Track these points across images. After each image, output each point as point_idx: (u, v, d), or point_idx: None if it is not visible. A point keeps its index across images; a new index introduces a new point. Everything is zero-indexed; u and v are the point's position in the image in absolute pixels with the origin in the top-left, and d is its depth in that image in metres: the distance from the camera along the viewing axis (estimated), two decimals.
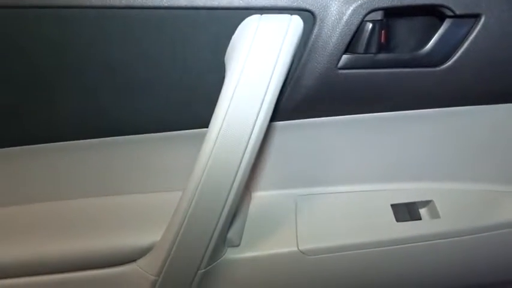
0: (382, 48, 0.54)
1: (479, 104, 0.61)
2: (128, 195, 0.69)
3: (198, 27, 0.52)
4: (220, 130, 0.50)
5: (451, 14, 0.51)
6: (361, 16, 0.51)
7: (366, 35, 0.52)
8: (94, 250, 0.61)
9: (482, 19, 0.52)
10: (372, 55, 0.54)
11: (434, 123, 0.64)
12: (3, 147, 0.61)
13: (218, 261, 0.63)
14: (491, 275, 0.73)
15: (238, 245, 0.64)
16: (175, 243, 0.56)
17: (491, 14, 0.52)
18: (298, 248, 0.64)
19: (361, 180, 0.71)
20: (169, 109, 0.59)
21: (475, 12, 0.52)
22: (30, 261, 0.61)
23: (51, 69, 0.55)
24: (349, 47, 0.53)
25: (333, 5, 0.51)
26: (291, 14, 0.50)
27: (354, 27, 0.51)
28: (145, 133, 0.62)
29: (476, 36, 0.53)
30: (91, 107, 0.58)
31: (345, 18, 0.51)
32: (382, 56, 0.54)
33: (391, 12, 0.52)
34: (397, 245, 0.65)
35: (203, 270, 0.60)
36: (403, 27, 0.56)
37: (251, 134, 0.51)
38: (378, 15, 0.51)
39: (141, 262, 0.62)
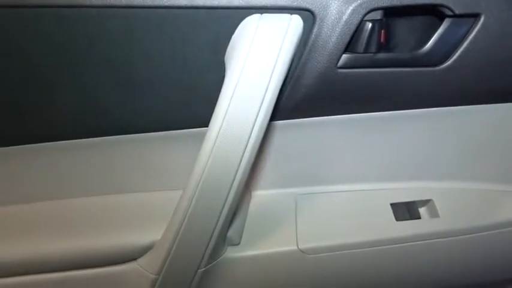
0: (382, 47, 0.54)
1: (478, 104, 0.62)
2: (128, 194, 0.69)
3: (198, 27, 0.52)
4: (220, 129, 0.50)
5: (450, 13, 0.51)
6: (360, 16, 0.51)
7: (365, 34, 0.52)
8: (95, 249, 0.61)
9: (482, 19, 0.52)
10: (371, 54, 0.54)
11: (434, 122, 0.64)
12: (5, 146, 0.62)
13: (218, 260, 0.63)
14: (490, 274, 0.73)
15: (238, 244, 0.65)
16: (175, 242, 0.56)
17: (491, 13, 0.52)
18: (298, 246, 0.64)
19: (361, 179, 0.71)
20: (170, 108, 0.59)
21: (475, 12, 0.52)
22: (32, 260, 0.61)
23: (52, 68, 0.55)
24: (349, 47, 0.53)
25: (333, 4, 0.51)
26: (291, 14, 0.51)
27: (353, 27, 0.51)
28: (146, 132, 0.62)
29: (475, 35, 0.53)
30: (92, 106, 0.58)
31: (344, 17, 0.51)
32: (381, 55, 0.54)
33: (390, 12, 0.52)
34: (397, 244, 0.65)
35: (203, 269, 0.60)
36: (402, 27, 0.56)
37: (251, 133, 0.51)
38: (378, 15, 0.51)
39: (141, 261, 0.62)
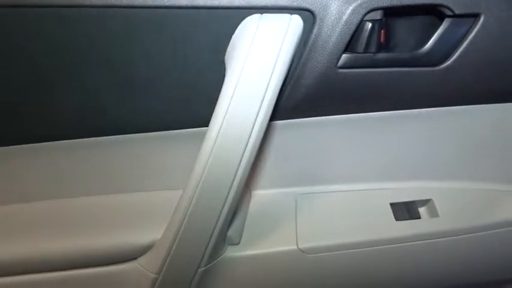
0: (382, 47, 0.54)
1: (478, 104, 0.62)
2: (129, 193, 0.69)
3: (198, 27, 0.52)
4: (220, 129, 0.51)
5: (450, 13, 0.52)
6: (360, 15, 0.51)
7: (365, 34, 0.52)
8: (95, 248, 0.61)
9: (482, 19, 0.52)
10: (371, 54, 0.54)
11: (434, 122, 0.64)
12: (5, 145, 0.62)
13: (218, 259, 0.63)
14: (489, 273, 0.73)
15: (238, 243, 0.65)
16: (175, 241, 0.57)
17: (491, 13, 0.52)
18: (297, 246, 0.64)
19: (361, 179, 0.71)
20: (170, 108, 0.59)
21: (475, 12, 0.52)
22: (32, 259, 0.61)
23: (52, 68, 0.55)
24: (349, 47, 0.53)
25: (333, 4, 0.51)
26: (291, 14, 0.51)
27: (353, 27, 0.51)
28: (146, 132, 0.62)
29: (475, 35, 0.53)
30: (92, 105, 0.58)
31: (344, 17, 0.51)
32: (381, 55, 0.54)
33: (390, 12, 0.52)
34: (396, 243, 0.65)
35: (203, 268, 0.60)
36: (402, 27, 0.56)
37: (251, 133, 0.51)
38: (378, 15, 0.51)
39: (141, 260, 0.62)
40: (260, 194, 0.72)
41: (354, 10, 0.51)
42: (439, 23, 0.54)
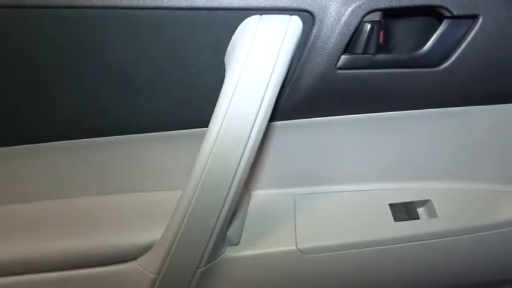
0: (381, 48, 0.54)
1: (477, 105, 0.62)
2: (129, 193, 0.69)
3: (198, 28, 0.52)
4: (220, 129, 0.51)
5: (449, 14, 0.52)
6: (359, 17, 0.51)
7: (364, 35, 0.52)
8: (95, 248, 0.61)
9: (480, 20, 0.52)
10: (370, 55, 0.54)
11: (432, 123, 0.64)
12: (5, 146, 0.62)
13: (217, 259, 0.63)
14: (488, 274, 0.73)
15: (237, 244, 0.65)
16: (175, 241, 0.57)
17: (489, 14, 0.52)
18: (297, 246, 0.64)
19: (360, 179, 0.71)
20: (170, 108, 0.59)
21: (473, 13, 0.52)
22: (32, 259, 0.61)
23: (52, 68, 0.55)
24: (348, 48, 0.54)
25: (332, 5, 0.51)
26: (291, 15, 0.51)
27: (352, 28, 0.52)
28: (146, 132, 0.62)
29: (474, 37, 0.53)
30: (92, 106, 0.58)
31: (343, 19, 0.51)
32: (380, 56, 0.54)
33: (389, 13, 0.52)
34: (395, 244, 0.65)
35: (202, 269, 0.60)
36: (401, 28, 0.56)
37: (251, 133, 0.51)
38: (377, 16, 0.52)
39: (141, 260, 0.62)
40: (259, 195, 0.73)
41: (353, 11, 0.51)
42: (437, 24, 0.54)
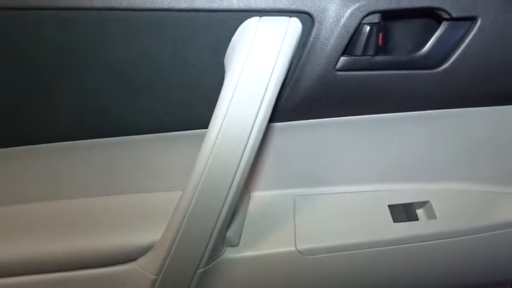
0: (380, 50, 0.54)
1: (475, 106, 0.62)
2: (129, 194, 0.69)
3: (198, 29, 0.52)
4: (219, 130, 0.51)
5: (447, 16, 0.52)
6: (358, 19, 0.51)
7: (363, 37, 0.52)
8: (95, 249, 0.61)
9: (479, 22, 0.52)
10: (369, 57, 0.54)
11: (432, 124, 0.64)
12: (6, 147, 0.62)
13: (217, 260, 0.63)
14: (487, 275, 0.73)
15: (237, 245, 0.65)
16: (174, 242, 0.57)
17: (488, 16, 0.52)
18: (296, 247, 0.64)
19: (359, 180, 0.72)
20: (170, 110, 0.60)
21: (472, 15, 0.52)
22: (32, 260, 0.61)
23: (53, 70, 0.55)
24: (347, 49, 0.54)
25: (331, 7, 0.51)
26: (290, 17, 0.51)
27: (351, 30, 0.52)
28: (146, 133, 0.62)
29: (472, 38, 0.53)
30: (92, 107, 0.59)
31: (342, 20, 0.51)
32: (379, 58, 0.55)
33: (388, 15, 0.53)
34: (394, 245, 0.65)
35: (202, 270, 0.61)
36: (400, 30, 0.56)
37: (250, 134, 0.51)
38: (376, 18, 0.52)
39: (141, 261, 0.62)
40: (259, 196, 0.73)
41: (352, 13, 0.51)
42: (436, 26, 0.54)
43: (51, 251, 0.61)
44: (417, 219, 0.68)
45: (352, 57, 0.54)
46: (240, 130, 0.51)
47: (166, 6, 0.50)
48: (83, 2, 0.50)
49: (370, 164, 0.69)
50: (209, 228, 0.56)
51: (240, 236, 0.66)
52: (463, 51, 0.54)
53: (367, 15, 0.51)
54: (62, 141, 0.62)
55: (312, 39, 0.53)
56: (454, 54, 0.55)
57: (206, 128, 0.52)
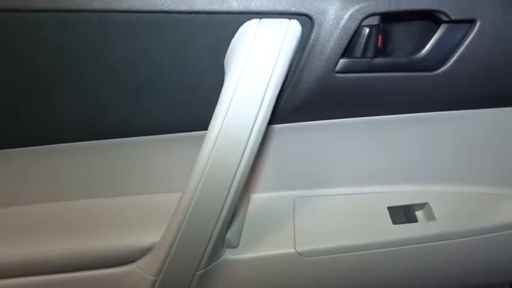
0: (379, 52, 0.55)
1: (474, 108, 0.62)
2: (129, 196, 0.69)
3: (198, 31, 0.52)
4: (219, 131, 0.51)
5: (446, 19, 0.52)
6: (358, 21, 0.51)
7: (363, 39, 0.53)
8: (94, 250, 0.61)
9: (478, 24, 0.53)
10: (369, 59, 0.54)
11: (431, 126, 0.64)
12: (6, 148, 0.62)
13: (217, 262, 0.63)
14: (486, 276, 0.73)
15: (236, 246, 0.65)
16: (174, 243, 0.57)
17: (487, 19, 0.52)
18: (295, 249, 0.64)
19: (359, 182, 0.72)
20: (170, 111, 0.60)
21: (471, 18, 0.52)
22: (32, 261, 0.61)
23: (53, 71, 0.55)
24: (347, 51, 0.54)
25: (331, 9, 0.51)
26: (289, 19, 0.51)
27: (351, 32, 0.52)
28: (146, 135, 0.62)
29: (471, 41, 0.54)
30: (92, 109, 0.59)
31: (342, 22, 0.51)
32: (379, 60, 0.55)
33: (387, 17, 0.53)
34: (394, 247, 0.65)
35: (202, 271, 0.61)
36: (399, 32, 0.57)
37: (250, 136, 0.51)
38: (375, 20, 0.52)
39: (140, 262, 0.62)
40: (259, 197, 0.73)
41: (351, 15, 0.51)
42: (435, 29, 0.54)
43: (51, 252, 0.61)
44: (416, 221, 0.68)
45: (352, 59, 0.54)
46: (240, 132, 0.51)
47: (166, 8, 0.50)
48: (83, 4, 0.50)
49: (370, 165, 0.70)
50: (209, 230, 0.56)
51: (239, 238, 0.66)
52: (462, 53, 0.54)
53: (366, 17, 0.51)
54: (62, 142, 0.62)
55: (311, 41, 0.53)
56: (453, 56, 0.55)
57: (206, 129, 0.53)
